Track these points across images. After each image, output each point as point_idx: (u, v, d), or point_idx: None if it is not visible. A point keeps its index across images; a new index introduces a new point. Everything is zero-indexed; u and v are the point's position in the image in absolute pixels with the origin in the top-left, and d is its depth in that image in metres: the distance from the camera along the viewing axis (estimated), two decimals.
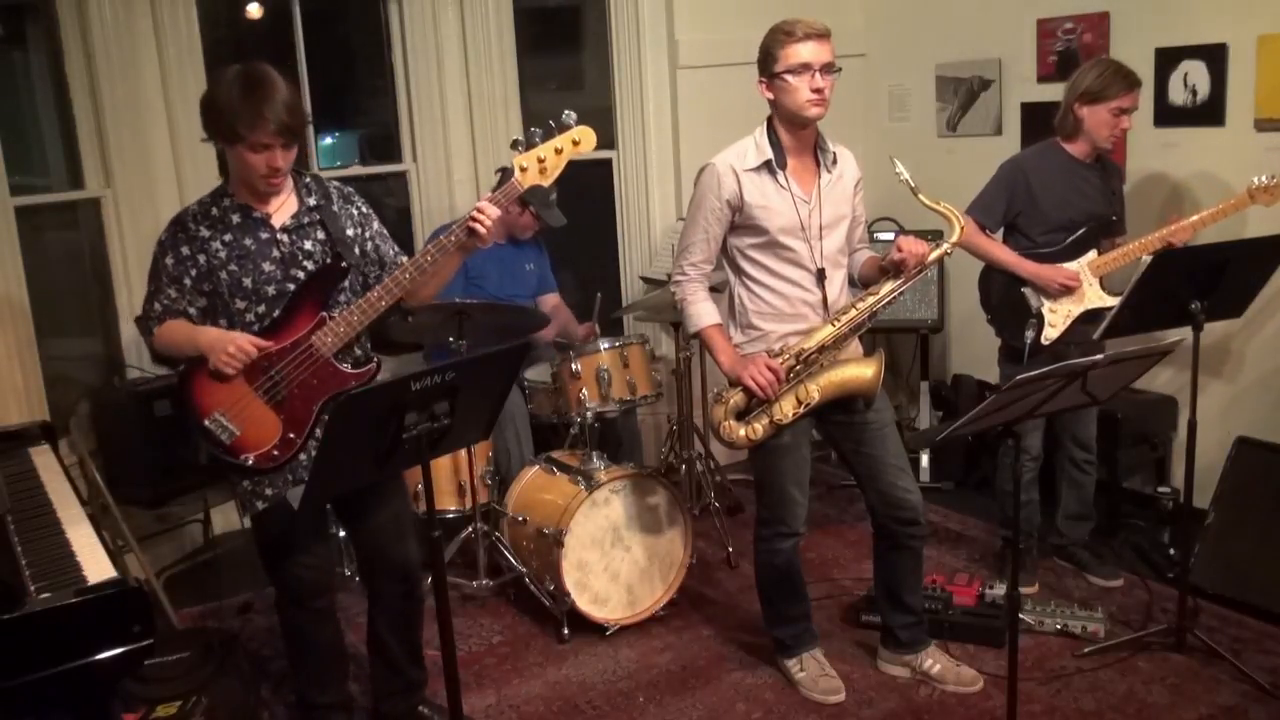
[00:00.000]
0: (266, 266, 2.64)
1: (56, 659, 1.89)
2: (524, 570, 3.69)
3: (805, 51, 2.77)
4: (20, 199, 3.67)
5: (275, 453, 2.62)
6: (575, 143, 2.60)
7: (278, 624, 3.59)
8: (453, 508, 3.76)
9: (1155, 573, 3.77)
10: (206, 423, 2.59)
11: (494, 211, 2.56)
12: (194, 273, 2.63)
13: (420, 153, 4.60)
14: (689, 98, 4.75)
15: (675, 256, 3.06)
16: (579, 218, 4.49)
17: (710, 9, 4.68)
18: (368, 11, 4.60)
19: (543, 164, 2.58)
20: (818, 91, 2.78)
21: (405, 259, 2.68)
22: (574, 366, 3.82)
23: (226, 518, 4.26)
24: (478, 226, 2.55)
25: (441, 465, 3.68)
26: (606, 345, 3.89)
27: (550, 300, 4.44)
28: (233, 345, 2.55)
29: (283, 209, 2.68)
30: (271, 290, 2.64)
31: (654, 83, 4.77)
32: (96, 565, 2.11)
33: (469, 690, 3.19)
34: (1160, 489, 4.06)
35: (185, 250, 2.63)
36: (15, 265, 3.58)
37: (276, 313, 2.63)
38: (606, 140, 4.88)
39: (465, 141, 4.62)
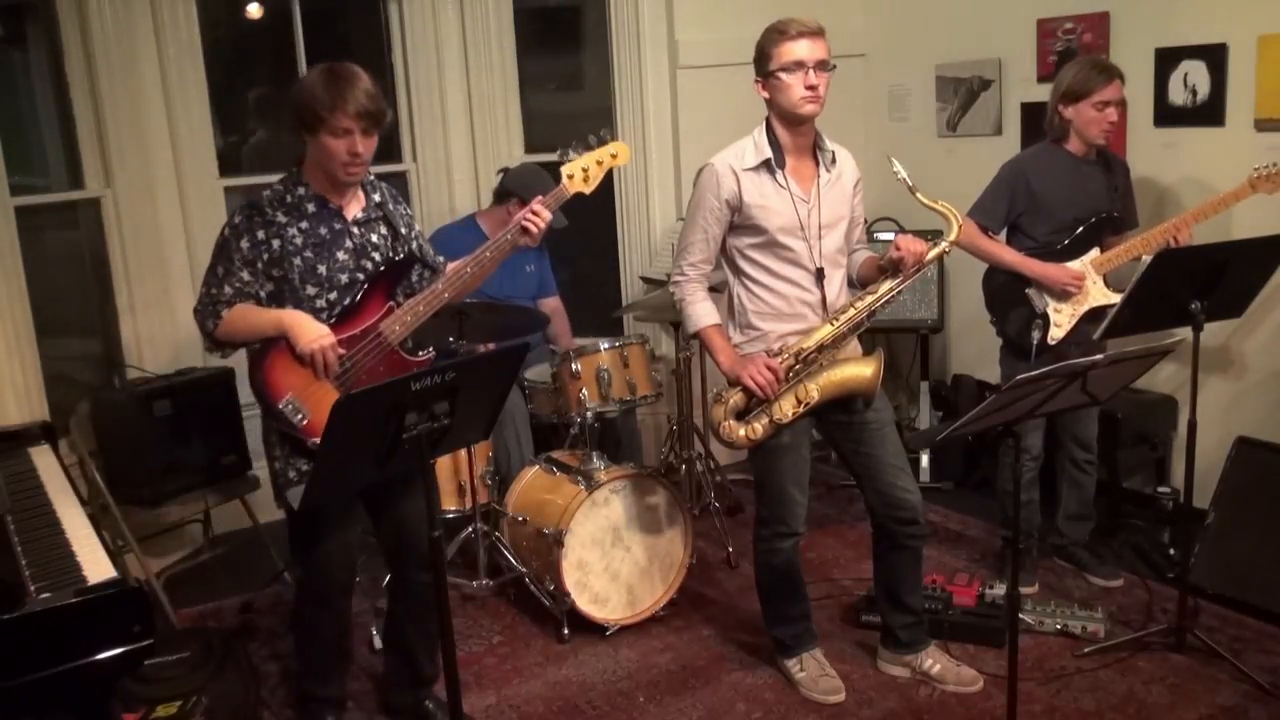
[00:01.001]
0: (341, 256, 2.72)
1: (56, 659, 1.90)
2: (524, 570, 3.69)
3: (799, 49, 2.78)
4: (20, 199, 3.68)
5: None
6: (614, 155, 2.91)
7: (277, 624, 3.62)
8: (453, 508, 3.76)
9: (1155, 573, 3.77)
10: (281, 405, 2.64)
11: (547, 215, 2.77)
12: (266, 257, 2.67)
13: (420, 153, 4.60)
14: (689, 98, 4.75)
15: (675, 257, 3.06)
16: (579, 218, 4.48)
17: (710, 9, 4.68)
18: (368, 11, 4.61)
19: (586, 173, 2.86)
20: (811, 88, 2.79)
21: (441, 258, 2.90)
22: (574, 366, 3.82)
23: (227, 518, 4.26)
24: (530, 226, 2.74)
25: (441, 465, 3.68)
26: (606, 345, 3.89)
27: (550, 303, 4.43)
28: (330, 350, 2.62)
29: (353, 203, 2.77)
30: (344, 279, 2.72)
31: (654, 83, 4.77)
32: (96, 565, 2.11)
33: (469, 690, 3.19)
34: (1160, 489, 4.06)
35: (261, 234, 2.67)
36: (15, 265, 3.59)
37: (347, 300, 2.72)
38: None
39: (465, 141, 4.62)
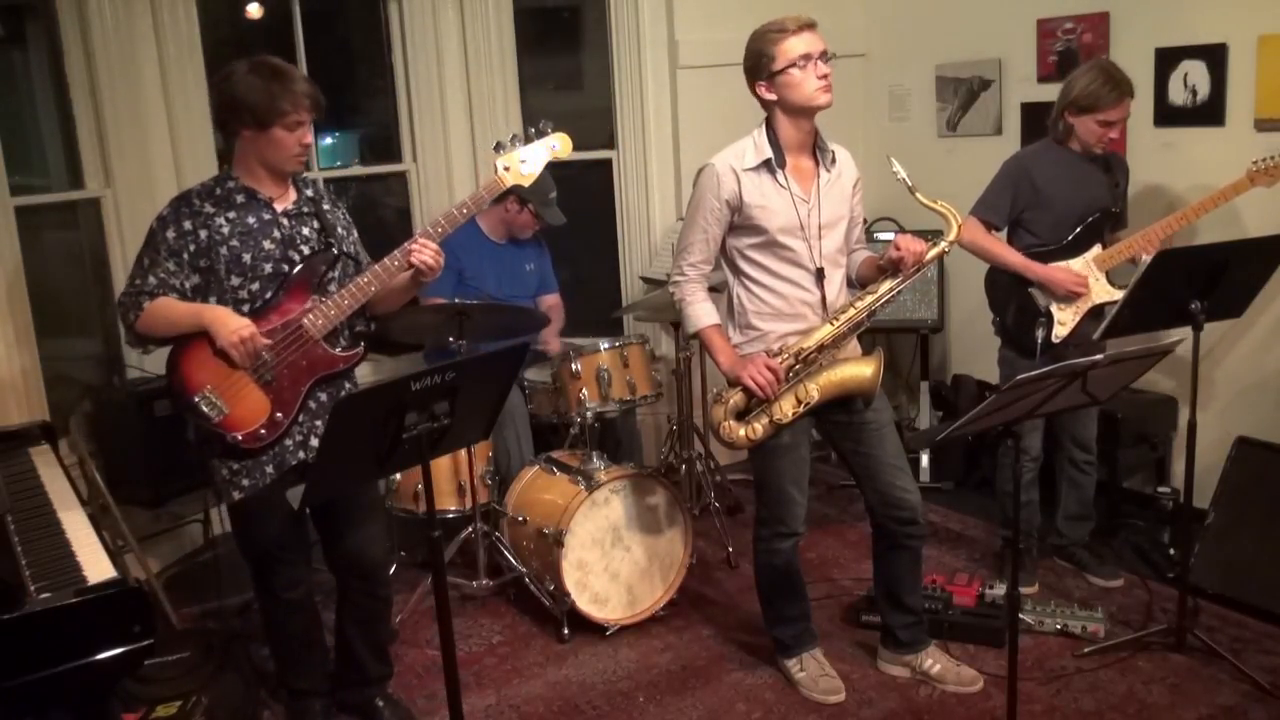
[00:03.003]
0: (267, 245, 2.70)
1: (56, 659, 1.90)
2: (524, 570, 3.69)
3: (803, 43, 2.78)
4: (20, 199, 3.67)
5: (262, 432, 2.67)
6: (553, 148, 2.83)
7: None
8: (453, 508, 3.76)
9: (1155, 573, 3.77)
10: (196, 399, 2.63)
11: (433, 248, 2.72)
12: (192, 248, 2.67)
13: (420, 153, 4.60)
14: (689, 98, 4.75)
15: (674, 257, 3.06)
16: (579, 218, 4.48)
17: (710, 9, 4.68)
18: (368, 11, 4.61)
19: (524, 164, 2.79)
20: (823, 78, 2.80)
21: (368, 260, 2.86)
22: (574, 366, 3.82)
23: (227, 517, 4.26)
24: (419, 264, 2.70)
25: (441, 465, 3.68)
26: (606, 345, 3.89)
27: (549, 300, 4.43)
28: (251, 340, 2.60)
29: (284, 195, 2.77)
30: (268, 269, 2.70)
31: (654, 83, 4.76)
32: (96, 565, 2.11)
33: (469, 690, 3.20)
34: (1160, 489, 4.06)
35: (188, 225, 2.67)
36: (15, 265, 3.58)
37: (269, 294, 2.69)
38: (606, 140, 4.88)
39: (465, 141, 4.62)
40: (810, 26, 2.80)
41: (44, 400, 3.67)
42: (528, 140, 2.80)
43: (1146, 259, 3.11)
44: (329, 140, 4.91)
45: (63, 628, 1.90)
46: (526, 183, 2.81)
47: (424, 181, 4.63)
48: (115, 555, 2.23)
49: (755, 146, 2.90)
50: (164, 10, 3.96)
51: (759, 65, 2.84)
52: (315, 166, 4.52)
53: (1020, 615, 3.32)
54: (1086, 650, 3.26)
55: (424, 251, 2.70)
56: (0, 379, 3.53)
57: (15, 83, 4.09)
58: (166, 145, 4.04)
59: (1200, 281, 3.02)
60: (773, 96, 2.85)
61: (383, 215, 4.86)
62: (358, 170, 4.88)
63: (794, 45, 2.78)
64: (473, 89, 4.57)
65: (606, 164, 4.89)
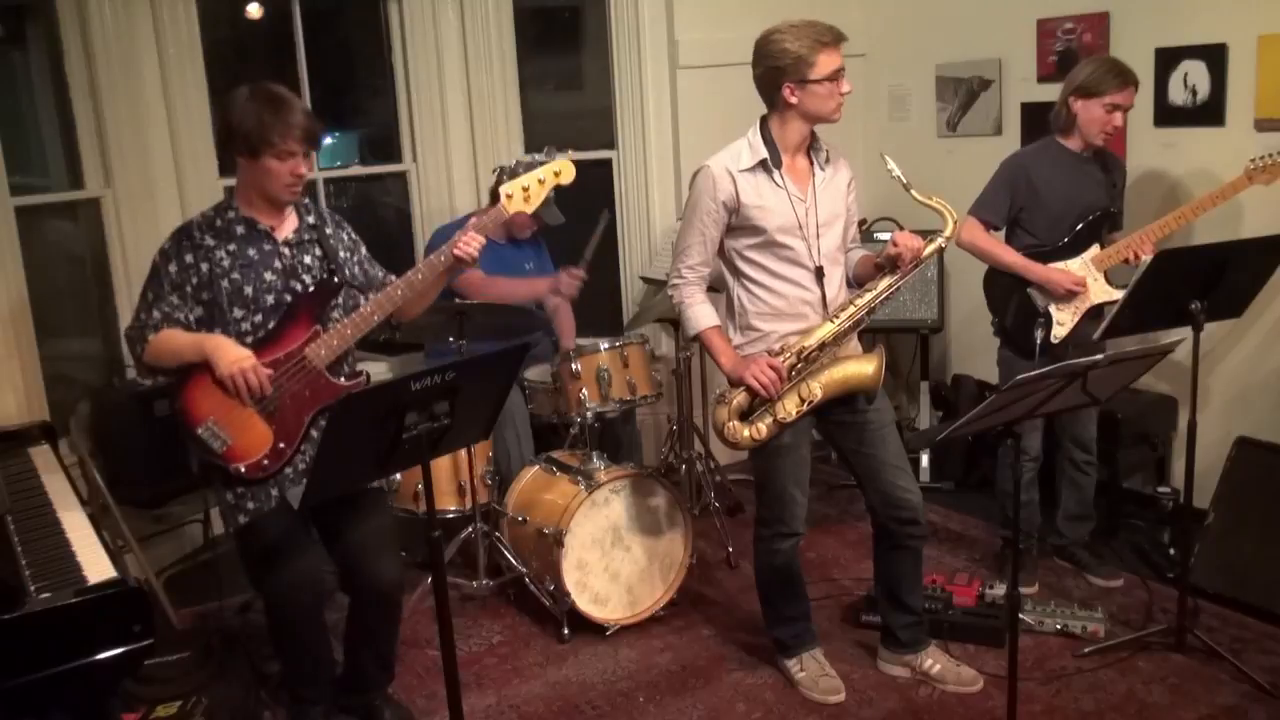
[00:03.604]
0: (268, 276, 2.71)
1: (56, 659, 1.90)
2: (524, 570, 3.69)
3: (838, 58, 2.79)
4: (20, 199, 3.68)
5: (265, 462, 2.67)
6: (556, 174, 2.87)
7: None
8: (453, 508, 3.76)
9: (1155, 573, 3.77)
10: (199, 431, 2.63)
11: (480, 240, 2.75)
12: (195, 280, 2.68)
13: (420, 153, 4.60)
14: (689, 98, 4.75)
15: (672, 259, 3.06)
16: (579, 217, 4.48)
17: (710, 9, 4.68)
18: (368, 11, 4.61)
19: (526, 192, 2.82)
20: (843, 95, 2.83)
21: (394, 278, 2.84)
22: (574, 366, 3.82)
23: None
24: (464, 256, 2.74)
25: (441, 465, 3.68)
26: (606, 345, 3.89)
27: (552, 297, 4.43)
28: (252, 373, 2.58)
29: (285, 224, 2.77)
30: (270, 300, 2.70)
31: (654, 83, 4.77)
32: (96, 565, 2.11)
33: (469, 690, 3.20)
34: (1160, 489, 4.06)
35: (189, 258, 2.68)
36: (15, 265, 3.59)
37: (271, 324, 2.69)
38: (606, 140, 4.88)
39: (465, 141, 4.62)
40: (844, 40, 2.82)
41: (44, 400, 3.67)
42: (531, 166, 2.83)
43: (1146, 259, 3.11)
44: (329, 140, 4.91)
45: (63, 628, 1.91)
46: (530, 209, 2.84)
47: (424, 181, 4.63)
48: (115, 555, 2.23)
49: (750, 147, 2.90)
50: (164, 10, 3.96)
51: (795, 68, 2.79)
52: (315, 167, 4.52)
53: (1020, 615, 3.32)
54: (1086, 650, 3.26)
55: (474, 244, 2.73)
56: (0, 379, 3.53)
57: (15, 83, 4.09)
58: (166, 145, 4.05)
59: (1200, 281, 3.02)
60: (795, 100, 2.83)
61: (382, 215, 4.86)
62: (358, 170, 4.88)
63: (833, 59, 2.79)
64: (473, 89, 4.57)
65: (606, 164, 4.89)
